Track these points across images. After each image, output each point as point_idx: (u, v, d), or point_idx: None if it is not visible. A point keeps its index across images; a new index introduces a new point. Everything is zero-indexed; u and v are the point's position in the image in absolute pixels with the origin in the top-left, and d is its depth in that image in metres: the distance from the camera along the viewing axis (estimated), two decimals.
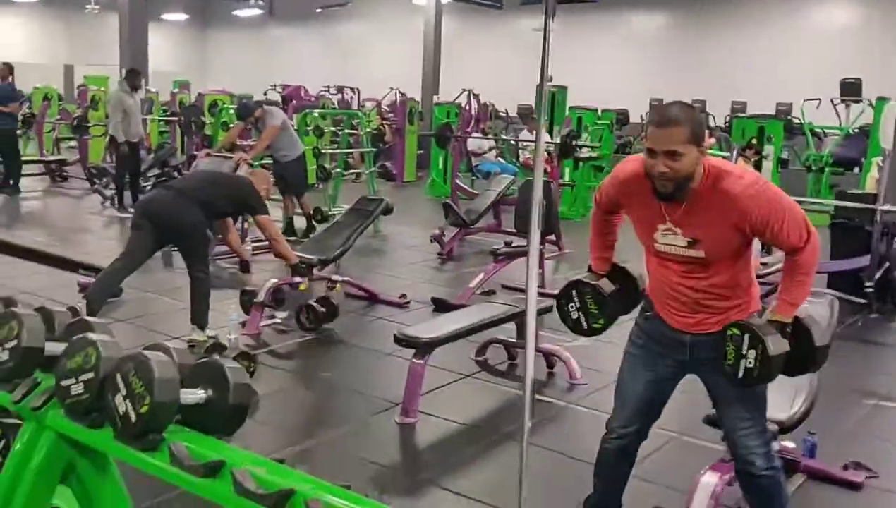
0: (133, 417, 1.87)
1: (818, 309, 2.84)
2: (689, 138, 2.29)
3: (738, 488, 2.75)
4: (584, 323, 2.72)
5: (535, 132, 11.85)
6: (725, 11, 18.01)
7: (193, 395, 1.93)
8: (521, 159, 12.73)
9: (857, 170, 11.95)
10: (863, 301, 6.29)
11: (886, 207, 6.30)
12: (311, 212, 8.75)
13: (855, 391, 4.70)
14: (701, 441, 3.64)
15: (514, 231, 7.71)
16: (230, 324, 4.94)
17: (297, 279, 5.61)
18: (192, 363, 2.06)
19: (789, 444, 3.41)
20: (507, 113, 17.51)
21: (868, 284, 6.32)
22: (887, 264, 6.52)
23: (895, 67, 6.89)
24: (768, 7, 17.37)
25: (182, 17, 26.91)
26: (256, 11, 24.10)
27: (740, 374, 2.36)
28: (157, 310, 5.86)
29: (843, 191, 7.65)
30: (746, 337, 2.34)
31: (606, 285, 2.75)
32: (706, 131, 2.45)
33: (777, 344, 2.33)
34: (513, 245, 6.65)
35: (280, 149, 8.25)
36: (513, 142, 13.28)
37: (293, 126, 9.45)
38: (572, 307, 2.73)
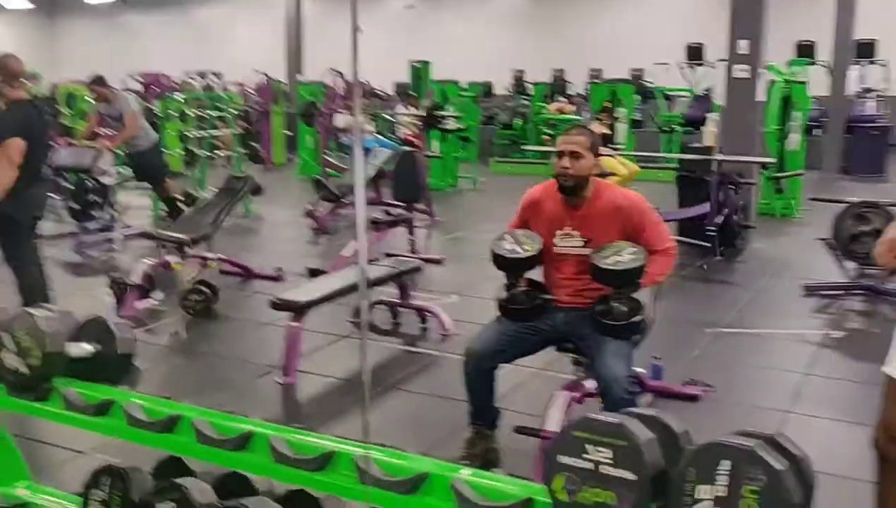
0: (24, 370, 2.01)
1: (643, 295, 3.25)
2: (588, 147, 3.07)
3: (588, 406, 3.12)
4: (520, 249, 3.10)
5: (409, 107, 11.99)
6: None
7: (79, 349, 2.08)
8: (399, 134, 12.95)
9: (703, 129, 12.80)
10: (707, 244, 6.87)
11: (721, 157, 6.89)
12: (177, 196, 8.62)
13: (699, 323, 5.19)
14: (560, 374, 3.99)
15: (391, 202, 7.95)
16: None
17: (171, 259, 5.66)
18: (77, 322, 2.21)
19: (638, 369, 3.81)
20: (384, 91, 17.65)
21: (710, 229, 6.90)
22: (726, 210, 7.13)
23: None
24: None
25: (27, 5, 25.56)
26: None
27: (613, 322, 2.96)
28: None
29: (685, 145, 8.26)
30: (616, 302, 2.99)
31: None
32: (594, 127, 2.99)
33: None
34: (391, 214, 6.87)
35: (134, 138, 8.03)
36: (390, 118, 13.47)
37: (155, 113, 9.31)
38: (507, 240, 3.16)
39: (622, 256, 2.96)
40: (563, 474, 1.39)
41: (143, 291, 5.50)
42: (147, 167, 8.16)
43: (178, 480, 1.97)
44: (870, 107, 13.45)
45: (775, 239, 8.01)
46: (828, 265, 6.06)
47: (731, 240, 7.22)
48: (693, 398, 3.93)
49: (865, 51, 13.59)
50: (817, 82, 11.47)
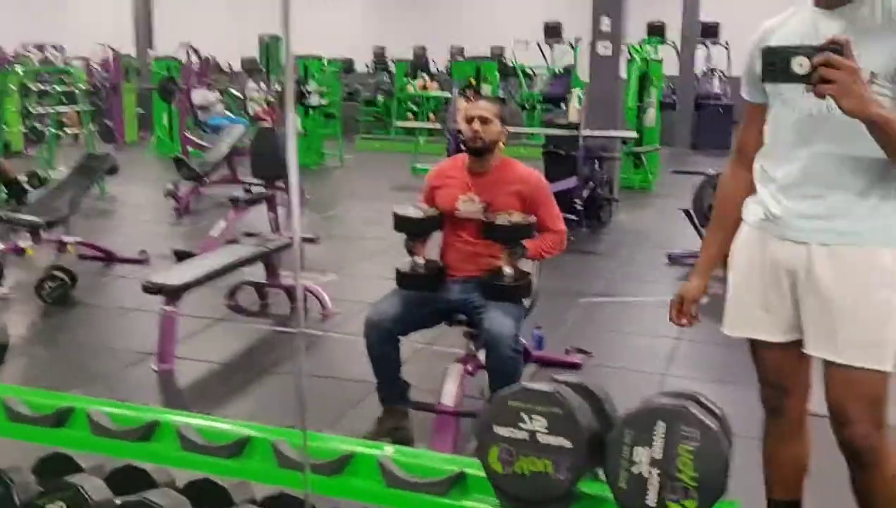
0: None
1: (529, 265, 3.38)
2: (496, 113, 3.21)
3: (479, 378, 3.15)
4: (421, 211, 3.20)
5: (260, 84, 11.55)
6: None
7: None
8: (250, 112, 12.55)
9: (563, 106, 13.11)
10: (574, 218, 7.06)
11: (587, 133, 7.09)
12: (16, 176, 8.00)
13: (572, 293, 5.34)
14: (448, 349, 3.99)
15: (251, 180, 7.69)
16: None
17: (23, 244, 5.28)
18: None
19: (522, 339, 3.86)
20: (230, 67, 17.04)
21: (577, 202, 7.10)
22: (591, 184, 7.36)
23: (588, 11, 7.77)
24: None
25: None
26: None
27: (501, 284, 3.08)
28: None
29: (551, 121, 8.43)
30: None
31: None
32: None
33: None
34: (251, 192, 6.65)
35: None
36: (238, 95, 13.03)
37: None
38: (409, 205, 3.24)
39: (513, 216, 3.07)
40: (499, 445, 1.37)
41: None
42: None
43: (68, 478, 1.82)
44: (716, 85, 14.22)
45: (637, 211, 8.35)
46: (687, 234, 6.36)
47: (596, 213, 7.46)
48: (575, 366, 4.03)
49: (710, 32, 14.33)
50: (667, 62, 12.00)
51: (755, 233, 2.04)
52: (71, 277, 5.10)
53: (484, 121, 3.17)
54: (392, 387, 3.18)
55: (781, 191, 1.96)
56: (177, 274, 4.16)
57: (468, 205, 3.20)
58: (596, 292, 5.44)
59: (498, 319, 2.96)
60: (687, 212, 6.32)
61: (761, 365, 2.15)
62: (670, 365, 4.15)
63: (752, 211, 2.06)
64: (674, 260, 6.13)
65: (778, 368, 2.09)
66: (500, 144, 3.25)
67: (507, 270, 3.07)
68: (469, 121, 3.20)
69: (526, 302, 3.23)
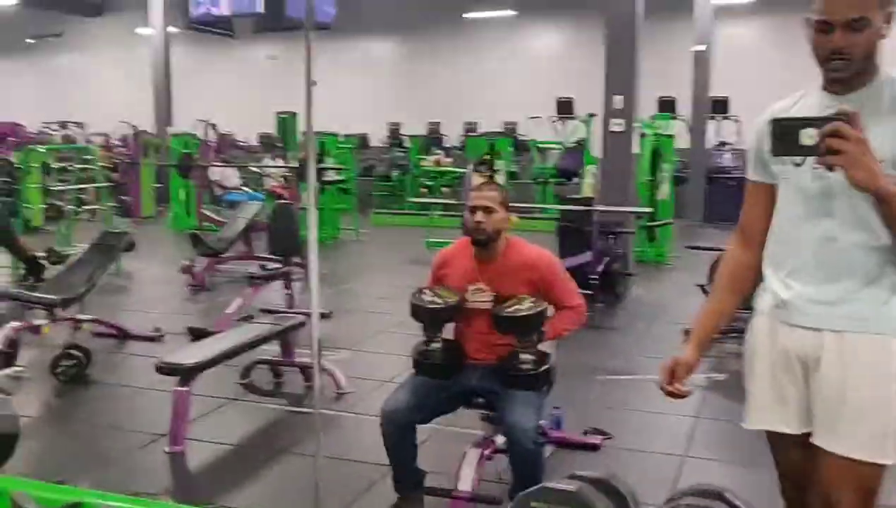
0: None
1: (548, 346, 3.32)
2: (500, 201, 3.12)
3: (496, 462, 3.08)
4: (439, 300, 3.12)
5: (277, 159, 11.86)
6: (454, 37, 19.10)
7: None
8: (267, 186, 12.71)
9: (576, 180, 13.23)
10: (590, 292, 7.02)
11: (601, 208, 7.11)
12: (34, 253, 8.07)
13: (589, 370, 5.27)
14: (464, 430, 3.92)
15: (267, 256, 7.73)
16: None
17: (38, 322, 5.29)
18: None
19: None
20: (247, 142, 17.36)
21: (593, 277, 7.07)
22: (607, 258, 7.34)
23: (599, 87, 7.89)
24: (492, 33, 18.66)
25: None
26: None
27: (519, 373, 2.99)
28: None
29: (563, 197, 8.48)
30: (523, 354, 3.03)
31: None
32: (505, 201, 3.15)
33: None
34: (268, 268, 6.68)
35: None
36: (256, 170, 13.23)
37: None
38: (426, 293, 3.18)
39: (522, 305, 3.02)
40: None
41: (7, 358, 5.10)
42: None
43: None
44: (727, 159, 14.31)
45: (653, 285, 8.30)
46: None
47: (612, 287, 7.42)
48: (594, 447, 3.95)
49: (720, 107, 14.50)
50: (678, 136, 12.12)
51: (766, 321, 2.01)
52: (86, 356, 5.09)
53: (487, 210, 3.08)
54: (408, 476, 3.11)
55: (790, 275, 1.93)
56: (190, 355, 4.13)
57: (478, 296, 3.14)
58: (613, 369, 5.37)
59: (519, 411, 2.90)
60: (702, 288, 6.27)
61: (779, 459, 2.09)
62: (690, 446, 4.06)
63: (762, 299, 2.04)
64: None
65: (796, 462, 2.03)
66: (505, 231, 3.17)
67: (525, 356, 3.01)
68: (472, 211, 3.12)
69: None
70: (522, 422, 2.87)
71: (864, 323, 1.83)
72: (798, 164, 1.87)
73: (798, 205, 1.90)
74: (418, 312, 3.12)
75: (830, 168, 1.62)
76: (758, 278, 2.06)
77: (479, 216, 3.08)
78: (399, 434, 3.01)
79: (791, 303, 1.92)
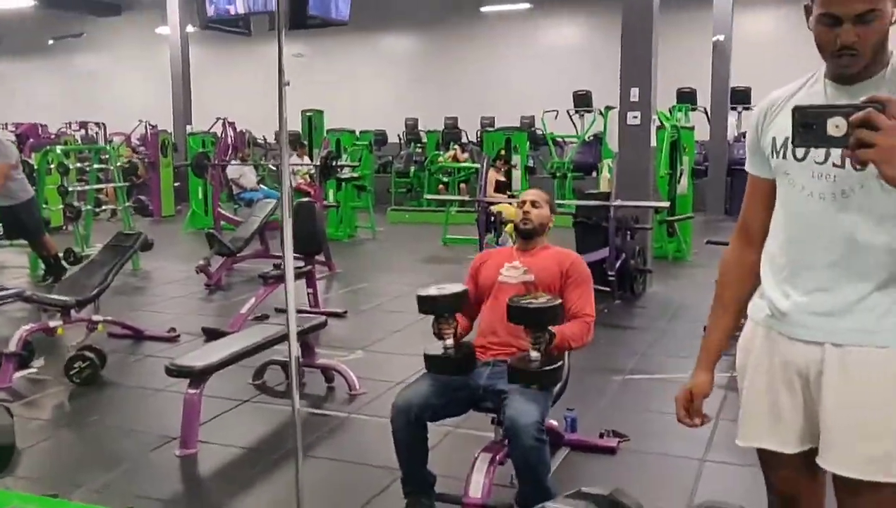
0: None
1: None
2: (546, 200, 3.44)
3: (509, 466, 3.01)
4: (445, 290, 3.14)
5: (302, 157, 11.89)
6: (469, 32, 19.05)
7: None
8: (293, 184, 12.70)
9: (594, 173, 13.12)
10: (607, 289, 6.93)
11: (618, 203, 7.01)
12: (57, 253, 8.13)
13: (606, 369, 5.19)
14: (476, 432, 3.86)
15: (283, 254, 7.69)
16: None
17: (53, 324, 5.30)
18: None
19: (552, 422, 3.73)
20: (265, 139, 17.37)
21: (610, 274, 6.98)
22: (623, 255, 7.24)
23: (616, 79, 7.80)
24: (508, 28, 18.59)
25: None
26: None
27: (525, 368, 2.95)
28: None
29: (581, 192, 8.38)
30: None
31: None
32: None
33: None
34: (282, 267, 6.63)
35: (10, 192, 7.38)
36: (273, 167, 13.21)
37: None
38: (432, 286, 3.20)
39: (537, 298, 2.99)
40: None
41: (22, 360, 5.11)
42: (25, 221, 7.66)
43: None
44: None
45: (671, 281, 8.19)
46: None
47: (630, 284, 7.33)
48: (611, 450, 3.87)
49: (741, 97, 14.31)
50: (698, 127, 11.98)
51: (761, 331, 1.87)
52: (100, 357, 5.08)
53: (535, 204, 3.38)
54: (418, 480, 3.05)
55: (789, 283, 1.79)
56: (201, 357, 4.10)
57: (511, 272, 3.29)
58: (631, 369, 5.29)
59: (520, 406, 2.84)
60: None
61: (772, 477, 1.97)
62: (709, 450, 3.97)
63: (757, 306, 1.90)
64: None
65: (790, 480, 1.91)
66: (547, 230, 3.42)
67: (534, 354, 2.95)
68: (521, 204, 3.40)
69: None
70: (523, 418, 2.80)
71: (868, 335, 1.70)
72: (799, 159, 1.74)
73: (797, 206, 1.76)
74: (423, 303, 3.11)
75: (861, 163, 1.44)
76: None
77: (528, 207, 3.37)
78: (409, 431, 2.96)
79: (789, 315, 1.78)
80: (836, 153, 1.67)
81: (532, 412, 2.82)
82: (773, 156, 1.81)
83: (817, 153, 1.72)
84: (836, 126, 1.44)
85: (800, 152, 1.74)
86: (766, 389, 1.86)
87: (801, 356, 1.78)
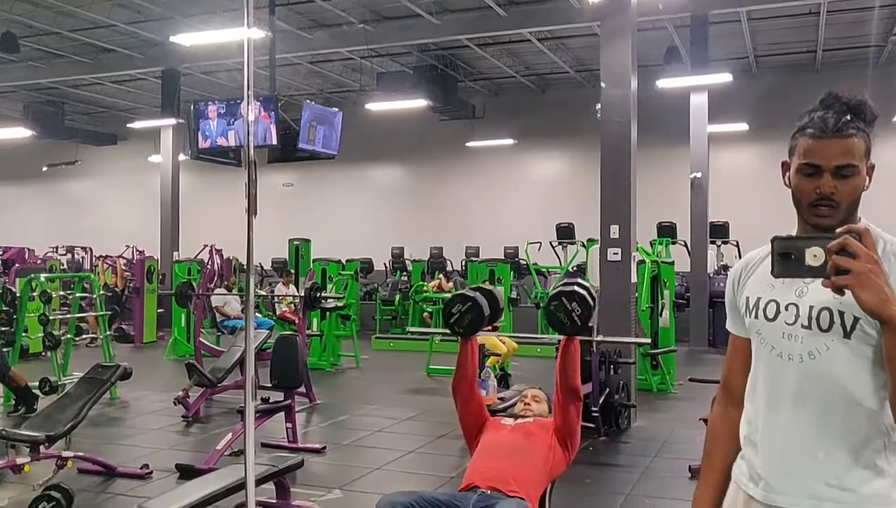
0: None
1: None
2: (545, 399, 4.04)
3: None
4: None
5: (288, 285, 11.83)
6: (456, 165, 19.54)
7: None
8: (277, 313, 12.68)
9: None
10: (591, 425, 6.84)
11: (600, 338, 7.00)
12: (27, 383, 7.95)
13: None
14: None
15: (269, 385, 7.58)
16: None
17: (21, 460, 5.14)
18: None
19: None
20: (260, 267, 17.46)
21: (594, 409, 6.90)
22: (608, 390, 7.19)
23: (597, 213, 8.04)
24: (493, 161, 19.09)
25: None
26: None
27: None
28: None
29: None
30: None
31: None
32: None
33: None
34: (270, 401, 6.50)
35: None
36: (265, 295, 13.21)
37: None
38: (458, 308, 3.69)
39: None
40: None
41: None
42: None
43: None
44: None
45: (656, 415, 8.10)
46: None
47: (614, 419, 7.24)
48: None
49: (720, 232, 14.63)
50: (679, 259, 12.17)
51: (742, 496, 1.82)
52: (67, 498, 4.90)
53: (536, 399, 3.94)
54: None
55: (763, 444, 1.76)
56: (170, 501, 3.97)
57: (507, 420, 3.77)
58: None
59: None
60: (706, 421, 6.11)
61: None
62: None
63: (738, 466, 1.86)
64: (696, 472, 5.84)
65: None
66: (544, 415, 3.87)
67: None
68: (523, 398, 3.94)
69: None
70: None
71: (848, 503, 1.66)
72: (770, 319, 1.76)
73: (769, 365, 1.75)
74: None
75: (839, 291, 1.44)
76: None
77: (529, 400, 3.97)
78: None
79: (764, 480, 1.75)
80: (804, 314, 1.70)
81: None
82: (746, 316, 1.83)
83: (787, 314, 1.74)
84: (814, 255, 1.47)
85: (770, 312, 1.76)
86: None
87: None
